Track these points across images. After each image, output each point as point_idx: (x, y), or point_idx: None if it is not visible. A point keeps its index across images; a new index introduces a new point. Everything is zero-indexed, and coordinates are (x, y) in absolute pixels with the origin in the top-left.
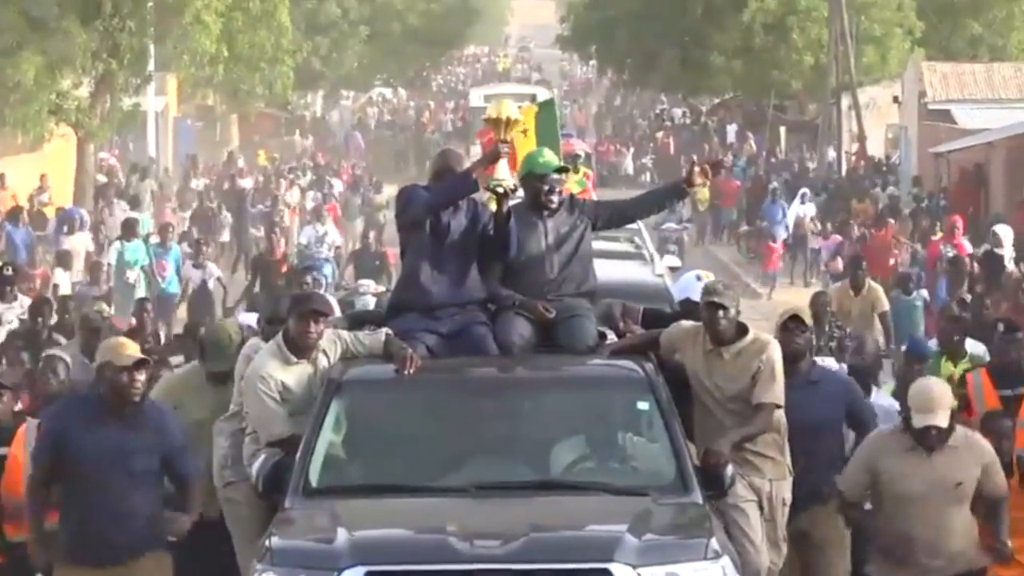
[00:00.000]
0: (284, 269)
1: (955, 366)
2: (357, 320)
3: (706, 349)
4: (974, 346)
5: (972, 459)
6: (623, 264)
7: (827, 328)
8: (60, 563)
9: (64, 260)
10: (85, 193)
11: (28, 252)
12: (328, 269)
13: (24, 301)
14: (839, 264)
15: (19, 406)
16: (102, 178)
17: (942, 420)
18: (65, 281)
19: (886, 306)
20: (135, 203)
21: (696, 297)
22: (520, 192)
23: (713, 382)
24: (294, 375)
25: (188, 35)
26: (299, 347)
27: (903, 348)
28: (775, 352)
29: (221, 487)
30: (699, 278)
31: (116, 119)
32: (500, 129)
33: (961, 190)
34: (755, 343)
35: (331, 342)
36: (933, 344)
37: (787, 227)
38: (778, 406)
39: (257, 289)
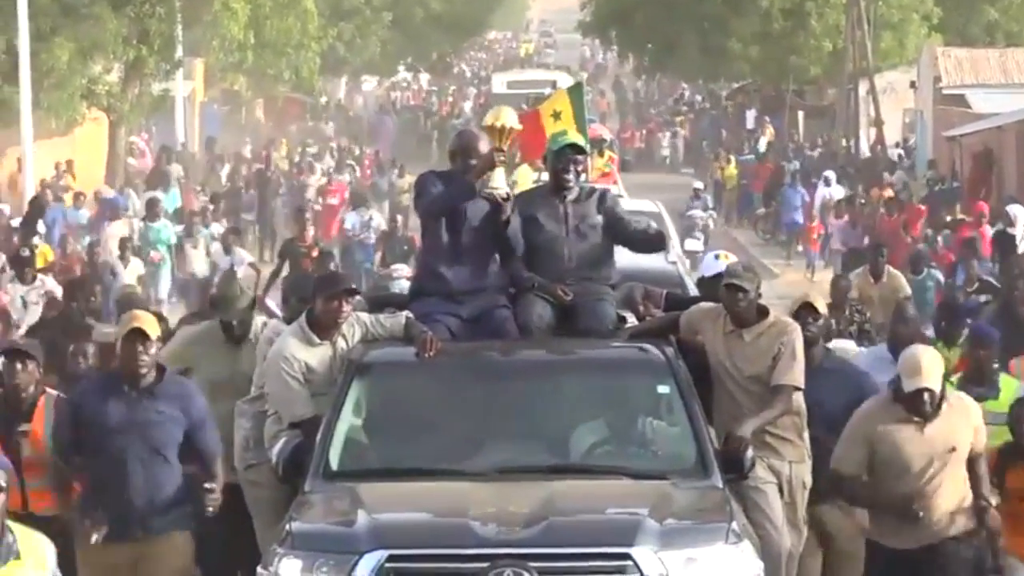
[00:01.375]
0: (315, 254)
1: (950, 350)
2: (378, 303)
3: (726, 330)
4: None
5: (963, 422)
6: None
7: (847, 313)
8: (96, 532)
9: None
10: (116, 176)
11: (63, 234)
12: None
13: (47, 281)
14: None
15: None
16: (132, 161)
17: (934, 383)
18: (120, 267)
19: (907, 292)
20: (164, 184)
21: (710, 274)
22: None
23: (733, 363)
24: (316, 356)
25: (217, 22)
26: (325, 327)
27: (965, 333)
28: (796, 334)
29: (242, 469)
30: (717, 257)
31: (146, 103)
32: (497, 137)
33: (975, 173)
34: (775, 325)
35: (351, 325)
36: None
37: (808, 211)
38: (797, 388)
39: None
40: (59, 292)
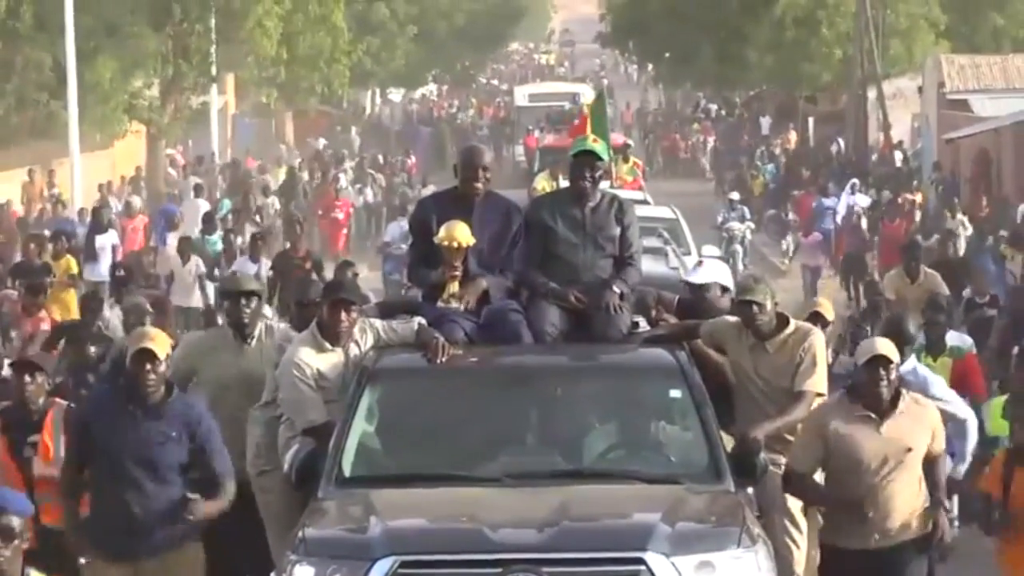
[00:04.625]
0: (308, 265)
1: (935, 360)
2: (390, 309)
3: (750, 344)
4: (959, 339)
5: (921, 424)
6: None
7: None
8: (90, 555)
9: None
10: (155, 186)
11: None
12: None
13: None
14: (818, 256)
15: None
16: (172, 172)
17: (890, 352)
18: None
19: (945, 291)
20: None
21: (693, 280)
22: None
23: (761, 377)
24: (328, 362)
25: (251, 38)
26: (331, 335)
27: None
28: (817, 340)
29: (255, 475)
30: (700, 264)
31: (184, 116)
32: (452, 254)
33: (977, 174)
34: (797, 332)
35: (363, 331)
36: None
37: (834, 218)
38: (819, 394)
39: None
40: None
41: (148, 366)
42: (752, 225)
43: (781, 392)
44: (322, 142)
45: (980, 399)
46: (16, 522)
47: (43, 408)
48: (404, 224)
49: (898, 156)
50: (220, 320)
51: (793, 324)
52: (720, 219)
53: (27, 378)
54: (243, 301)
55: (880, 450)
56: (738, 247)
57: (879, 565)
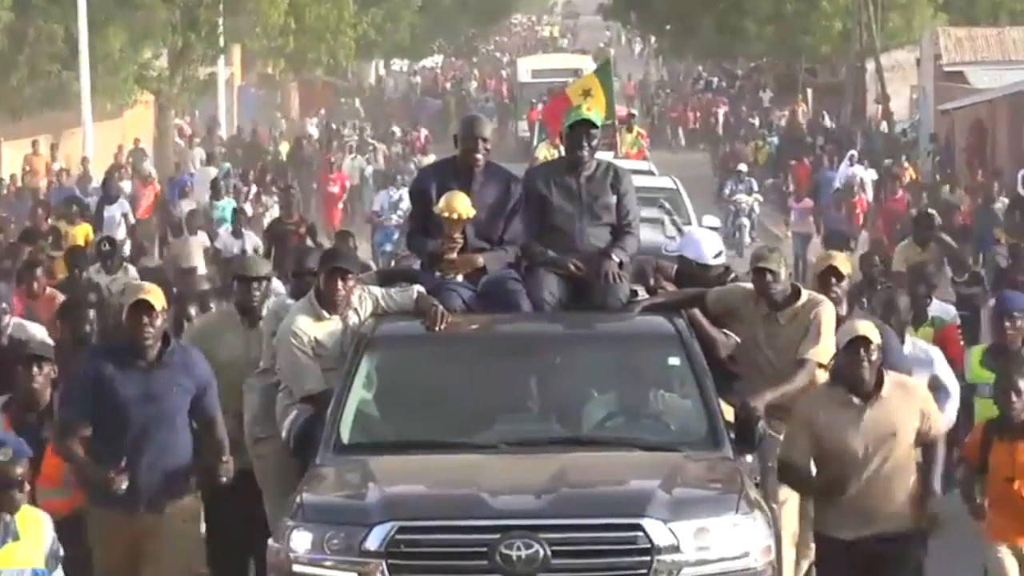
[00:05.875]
0: (302, 231)
1: (916, 330)
2: (389, 277)
3: (763, 313)
4: (943, 310)
5: (906, 407)
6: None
7: (878, 288)
8: (94, 509)
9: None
10: (165, 155)
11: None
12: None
13: (131, 269)
14: (809, 224)
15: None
16: (179, 141)
17: (870, 334)
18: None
19: (954, 245)
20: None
21: (686, 253)
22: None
23: (771, 347)
24: (326, 330)
25: (258, 9)
26: (329, 303)
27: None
28: (825, 310)
29: (252, 443)
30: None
31: (193, 87)
32: (451, 226)
33: (973, 145)
34: (807, 303)
35: (362, 299)
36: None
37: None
38: (822, 364)
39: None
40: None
41: (145, 319)
42: (760, 197)
43: (789, 364)
44: (311, 124)
45: (958, 368)
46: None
47: (51, 399)
48: (392, 194)
49: (884, 126)
50: (214, 302)
51: (805, 295)
52: (727, 191)
53: (35, 369)
54: (254, 285)
55: (864, 437)
56: (745, 220)
57: (872, 556)
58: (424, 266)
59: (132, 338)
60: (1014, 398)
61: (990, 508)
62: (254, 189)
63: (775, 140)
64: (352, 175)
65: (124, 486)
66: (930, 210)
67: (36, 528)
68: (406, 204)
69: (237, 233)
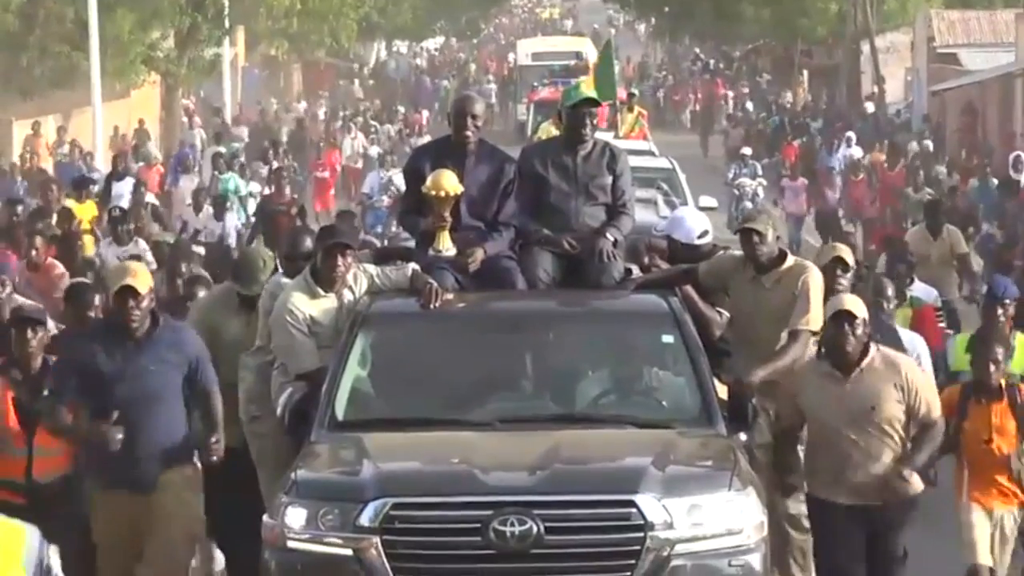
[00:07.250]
0: (293, 211)
1: (896, 310)
2: (384, 255)
3: (749, 276)
4: (924, 291)
5: (888, 382)
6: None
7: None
8: (94, 490)
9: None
10: (172, 134)
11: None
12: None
13: (141, 242)
14: (802, 204)
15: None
16: (185, 121)
17: (855, 308)
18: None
19: (965, 248)
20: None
21: (673, 234)
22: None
23: (761, 315)
24: (321, 308)
25: None
26: (326, 280)
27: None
28: (813, 277)
29: (247, 421)
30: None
31: (200, 68)
32: (440, 203)
33: (965, 125)
34: (793, 268)
35: (357, 277)
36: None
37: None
38: (814, 333)
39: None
40: (149, 255)
41: (131, 302)
42: (764, 181)
43: (777, 334)
44: (302, 106)
45: (935, 349)
46: None
47: (45, 363)
48: (383, 175)
49: (869, 107)
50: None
51: (791, 259)
52: (731, 175)
53: (28, 333)
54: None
55: (843, 409)
56: (748, 204)
57: (861, 521)
58: (418, 244)
59: (119, 320)
60: (992, 368)
61: (967, 470)
62: (274, 165)
63: (776, 120)
64: (353, 157)
65: (119, 437)
66: (940, 197)
67: (10, 542)
68: (398, 183)
69: (218, 217)
